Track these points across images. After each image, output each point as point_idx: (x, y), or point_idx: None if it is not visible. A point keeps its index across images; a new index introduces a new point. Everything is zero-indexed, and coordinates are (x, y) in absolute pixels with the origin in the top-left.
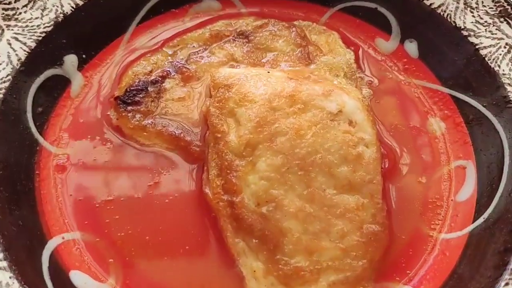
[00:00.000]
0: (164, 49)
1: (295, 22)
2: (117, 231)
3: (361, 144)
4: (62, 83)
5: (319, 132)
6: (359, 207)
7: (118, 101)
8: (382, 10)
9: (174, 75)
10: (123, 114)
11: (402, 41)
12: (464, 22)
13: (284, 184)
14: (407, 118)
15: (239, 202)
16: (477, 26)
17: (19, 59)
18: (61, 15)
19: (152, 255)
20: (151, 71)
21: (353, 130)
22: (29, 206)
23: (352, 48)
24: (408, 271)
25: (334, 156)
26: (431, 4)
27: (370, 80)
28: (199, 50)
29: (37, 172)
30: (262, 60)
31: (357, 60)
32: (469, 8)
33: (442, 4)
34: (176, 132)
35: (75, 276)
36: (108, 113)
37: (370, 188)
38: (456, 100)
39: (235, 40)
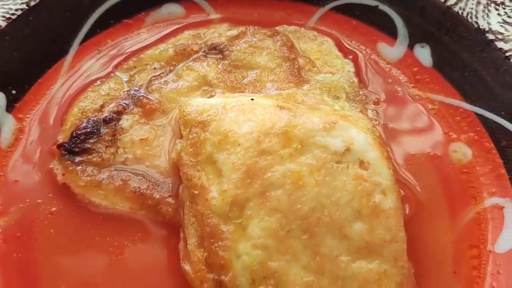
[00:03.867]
0: (117, 73)
1: (278, 28)
2: None
3: (378, 191)
4: None
5: (324, 180)
6: (381, 276)
7: (63, 150)
8: (385, 8)
9: (133, 108)
10: (71, 168)
11: (411, 46)
12: (489, 23)
13: (285, 252)
14: (424, 144)
15: (229, 282)
16: (505, 28)
17: None
18: None
19: None
20: (102, 106)
21: (366, 174)
22: None
23: (351, 57)
24: None
25: (345, 211)
26: (446, 1)
27: (376, 98)
28: (162, 73)
29: None
30: (243, 82)
31: (358, 72)
32: (493, 4)
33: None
34: (141, 187)
35: None
36: (51, 166)
37: (392, 249)
38: (484, 119)
39: (206, 57)
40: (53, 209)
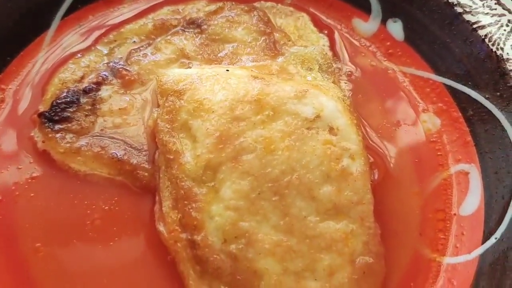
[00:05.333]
0: (97, 47)
1: (256, 4)
2: None
3: (346, 156)
4: None
5: (294, 145)
6: (347, 235)
7: (43, 119)
8: None
9: (112, 80)
10: (50, 135)
11: (384, 21)
12: None
13: (256, 213)
14: (395, 114)
15: (201, 241)
16: (473, 1)
17: None
18: None
19: None
20: (82, 77)
21: (335, 139)
22: None
23: (326, 32)
24: None
25: (314, 174)
26: None
27: (349, 71)
28: (141, 46)
29: None
30: (219, 55)
31: (332, 46)
32: None
33: None
34: (118, 154)
35: None
36: (32, 134)
37: (359, 210)
38: (452, 91)
39: (184, 31)
40: (34, 174)
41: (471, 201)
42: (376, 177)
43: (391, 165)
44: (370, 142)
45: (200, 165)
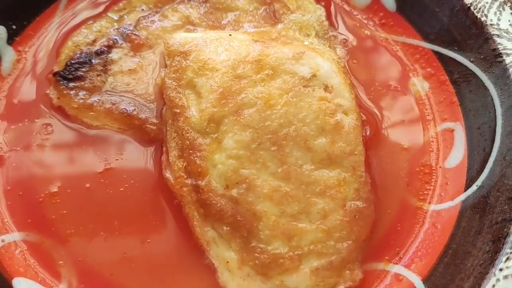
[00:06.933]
0: (108, 14)
1: None
2: (66, 228)
3: (339, 111)
4: None
5: (292, 101)
6: (340, 182)
7: (58, 77)
8: None
9: (122, 43)
10: (65, 92)
11: None
12: None
13: (256, 162)
14: (387, 78)
15: (205, 186)
16: None
17: None
18: None
19: (108, 253)
20: (94, 41)
21: (330, 96)
22: None
23: (323, 3)
24: (397, 249)
25: (310, 127)
26: None
27: (344, 39)
28: (149, 14)
29: None
30: (222, 22)
31: (329, 16)
32: None
33: None
34: (128, 109)
35: (20, 284)
36: (48, 91)
37: (351, 160)
38: (440, 56)
39: (190, 0)
40: (49, 128)
41: (456, 155)
42: (368, 133)
43: (382, 123)
44: (363, 102)
45: (204, 118)
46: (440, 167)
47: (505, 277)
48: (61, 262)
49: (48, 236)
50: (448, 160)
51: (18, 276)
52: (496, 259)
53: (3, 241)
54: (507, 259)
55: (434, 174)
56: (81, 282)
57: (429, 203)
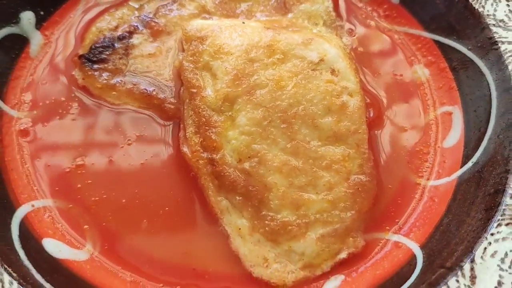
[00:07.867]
0: (130, 3)
1: None
2: (91, 196)
3: (345, 93)
4: (20, 42)
5: (301, 83)
6: (345, 157)
7: (83, 60)
8: None
9: (143, 30)
10: (89, 73)
11: None
12: None
13: (267, 138)
14: (390, 66)
15: (219, 159)
16: None
17: None
18: None
19: (130, 218)
20: (116, 27)
21: (336, 79)
22: None
23: None
24: (397, 220)
25: (317, 107)
26: None
27: (350, 28)
28: (168, 3)
29: None
30: (236, 11)
31: (336, 8)
32: None
33: None
34: (148, 89)
35: (49, 244)
36: (73, 73)
37: (355, 138)
38: (440, 45)
39: None
40: (75, 105)
41: (453, 136)
42: (371, 114)
43: (385, 106)
44: (367, 86)
45: (219, 97)
46: (438, 147)
47: (496, 240)
48: (86, 226)
49: (74, 203)
50: (446, 141)
51: (47, 237)
52: (488, 225)
53: (33, 206)
54: (498, 225)
55: (433, 153)
56: (104, 244)
57: (428, 179)
